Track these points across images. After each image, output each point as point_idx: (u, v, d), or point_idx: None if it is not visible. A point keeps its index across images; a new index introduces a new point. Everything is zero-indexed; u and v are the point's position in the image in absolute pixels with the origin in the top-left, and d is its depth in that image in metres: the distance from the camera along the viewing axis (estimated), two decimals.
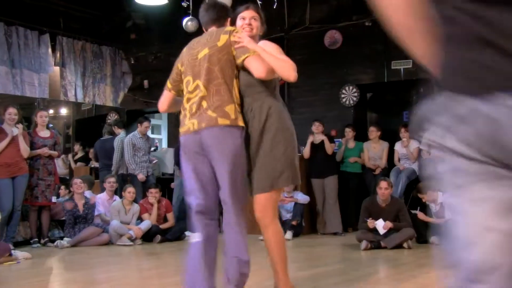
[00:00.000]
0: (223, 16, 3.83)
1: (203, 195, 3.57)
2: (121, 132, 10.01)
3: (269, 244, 3.67)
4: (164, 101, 3.96)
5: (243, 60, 3.53)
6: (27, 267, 6.39)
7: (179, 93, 3.86)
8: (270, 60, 3.49)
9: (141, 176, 9.35)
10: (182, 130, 3.66)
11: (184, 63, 3.73)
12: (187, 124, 3.59)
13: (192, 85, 3.62)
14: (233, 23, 3.87)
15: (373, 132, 9.52)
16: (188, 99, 3.65)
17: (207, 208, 3.58)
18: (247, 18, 3.83)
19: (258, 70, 3.48)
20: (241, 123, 3.55)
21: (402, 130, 9.30)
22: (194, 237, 3.60)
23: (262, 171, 3.60)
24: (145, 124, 9.72)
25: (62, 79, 11.28)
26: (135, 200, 8.69)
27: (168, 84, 3.87)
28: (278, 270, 3.66)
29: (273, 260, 3.68)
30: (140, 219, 8.58)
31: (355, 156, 9.56)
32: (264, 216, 3.62)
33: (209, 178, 3.56)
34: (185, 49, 3.80)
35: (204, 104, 3.54)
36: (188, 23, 8.90)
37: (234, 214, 3.51)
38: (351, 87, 10.57)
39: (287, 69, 3.52)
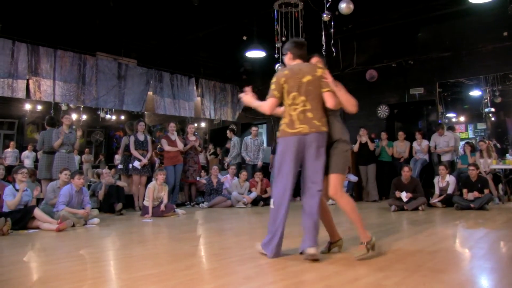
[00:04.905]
0: (306, 53, 3.63)
1: (295, 178, 3.36)
2: (233, 137, 10.12)
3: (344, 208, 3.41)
4: (272, 106, 3.44)
5: (323, 91, 3.40)
6: (183, 218, 6.68)
7: (280, 100, 3.46)
8: (342, 96, 3.37)
9: (260, 163, 9.49)
10: (292, 131, 3.32)
11: (288, 83, 3.38)
12: (298, 128, 3.32)
13: (298, 99, 3.35)
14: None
15: (401, 135, 9.37)
16: (295, 109, 3.36)
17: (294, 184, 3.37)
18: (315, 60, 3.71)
19: (328, 102, 3.39)
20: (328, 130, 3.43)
21: (417, 133, 9.17)
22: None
23: (337, 162, 3.38)
24: (254, 128, 9.70)
25: (202, 105, 11.58)
26: (247, 179, 8.80)
27: (276, 94, 3.41)
28: (357, 226, 3.39)
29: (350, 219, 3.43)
30: (249, 191, 8.68)
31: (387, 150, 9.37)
32: (338, 190, 3.36)
33: (298, 166, 3.38)
34: (287, 72, 3.42)
35: (310, 115, 3.33)
36: (278, 67, 8.92)
37: (320, 188, 3.29)
38: (384, 106, 10.37)
39: (351, 105, 3.38)
